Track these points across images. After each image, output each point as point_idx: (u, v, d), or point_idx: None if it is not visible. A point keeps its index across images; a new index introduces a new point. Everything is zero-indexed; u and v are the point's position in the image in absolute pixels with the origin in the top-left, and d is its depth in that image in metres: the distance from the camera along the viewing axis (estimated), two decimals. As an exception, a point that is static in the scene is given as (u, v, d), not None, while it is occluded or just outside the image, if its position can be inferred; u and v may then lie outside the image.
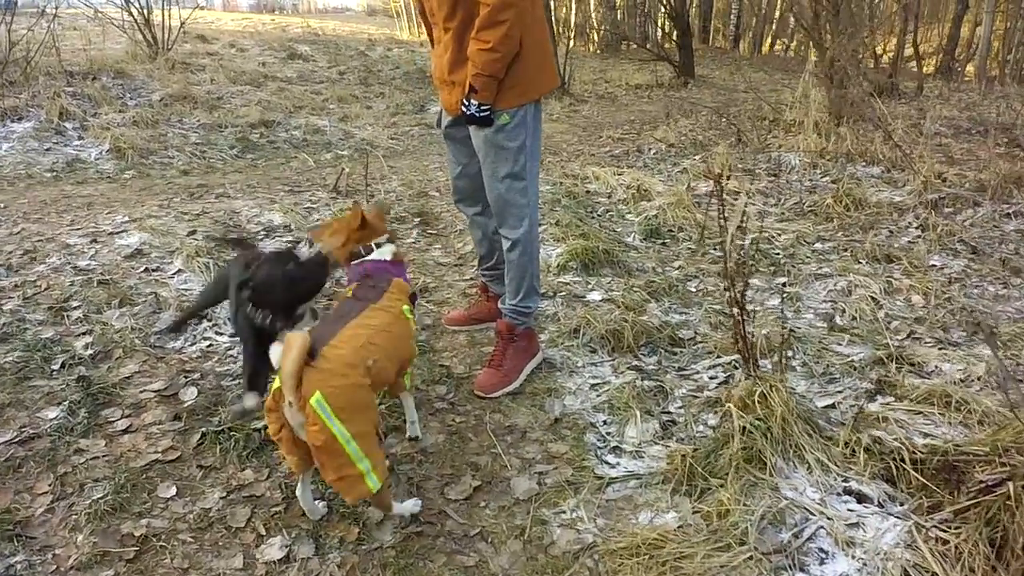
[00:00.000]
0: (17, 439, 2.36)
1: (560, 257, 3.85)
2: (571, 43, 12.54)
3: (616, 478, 2.23)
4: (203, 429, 2.47)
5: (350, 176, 5.33)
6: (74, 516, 2.06)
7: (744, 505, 1.98)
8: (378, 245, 2.35)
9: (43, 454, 2.31)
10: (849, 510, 2.03)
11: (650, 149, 6.63)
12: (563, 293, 3.50)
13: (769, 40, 21.16)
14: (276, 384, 1.83)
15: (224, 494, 2.20)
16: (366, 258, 2.32)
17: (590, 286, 3.59)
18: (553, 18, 11.69)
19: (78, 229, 4.14)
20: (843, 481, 2.12)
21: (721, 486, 2.09)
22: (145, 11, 9.70)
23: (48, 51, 7.75)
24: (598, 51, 17.62)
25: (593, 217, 4.62)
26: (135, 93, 7.81)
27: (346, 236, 2.33)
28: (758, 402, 2.27)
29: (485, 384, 2.70)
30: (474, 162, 2.70)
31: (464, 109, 2.46)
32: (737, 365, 2.77)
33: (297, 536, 2.04)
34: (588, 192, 5.17)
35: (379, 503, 1.99)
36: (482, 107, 2.43)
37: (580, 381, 2.76)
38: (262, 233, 4.16)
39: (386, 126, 8.11)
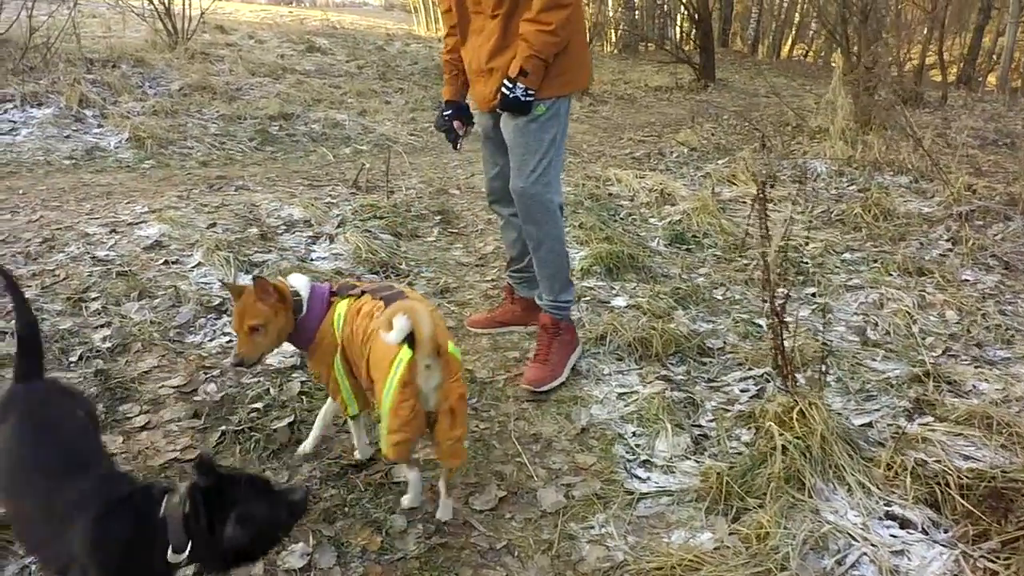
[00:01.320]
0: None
1: (584, 260, 3.78)
2: (590, 43, 12.45)
3: (647, 494, 2.16)
4: (223, 427, 2.42)
5: (369, 172, 5.27)
6: (91, 515, 2.00)
7: (784, 528, 1.91)
8: (294, 291, 2.06)
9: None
10: (892, 536, 1.95)
11: (672, 152, 6.55)
12: (587, 298, 3.43)
13: (789, 44, 20.99)
14: (406, 358, 1.77)
15: (243, 496, 2.15)
16: (305, 301, 2.06)
17: (615, 291, 3.52)
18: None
19: (97, 218, 4.10)
20: (885, 505, 2.05)
21: (760, 507, 2.01)
22: (165, 0, 9.67)
23: (68, 37, 7.74)
24: (616, 51, 17.51)
25: (616, 220, 4.55)
26: (154, 82, 7.78)
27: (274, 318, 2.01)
28: (796, 420, 2.19)
29: (534, 378, 2.64)
30: (508, 166, 2.64)
31: (507, 92, 2.37)
32: (769, 378, 2.70)
33: (319, 544, 1.98)
34: (610, 194, 5.09)
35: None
36: (528, 92, 2.35)
37: (607, 390, 2.69)
38: (282, 227, 4.11)
39: (405, 122, 8.05)
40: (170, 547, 1.40)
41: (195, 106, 7.19)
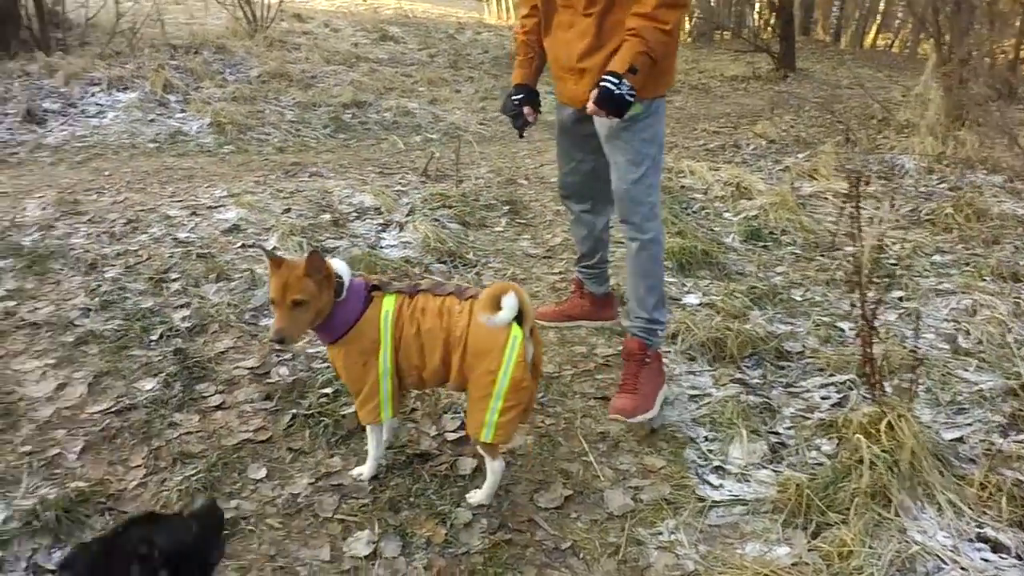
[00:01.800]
0: (114, 409, 2.40)
1: (656, 255, 3.68)
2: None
3: (720, 502, 2.08)
4: (293, 411, 2.46)
5: (439, 160, 5.28)
6: (165, 492, 2.06)
7: (869, 547, 1.81)
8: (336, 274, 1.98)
9: (138, 426, 2.33)
10: (984, 560, 1.83)
11: (748, 144, 6.33)
12: (659, 294, 3.34)
13: (873, 33, 20.05)
14: (520, 336, 1.87)
15: (312, 480, 2.17)
16: (345, 288, 1.99)
17: (687, 288, 3.42)
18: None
19: (179, 201, 4.23)
20: (977, 527, 1.92)
21: (842, 523, 1.91)
22: (246, -12, 9.92)
23: (153, 23, 8.01)
24: (689, 39, 17.10)
25: (688, 214, 4.42)
26: (234, 69, 7.99)
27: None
28: (884, 432, 2.07)
29: (624, 408, 2.35)
30: (589, 159, 2.57)
31: (612, 87, 2.16)
32: (852, 386, 2.57)
33: (384, 532, 1.98)
34: (683, 187, 4.95)
35: None
36: (632, 91, 2.16)
37: (678, 391, 2.61)
38: (353, 214, 4.15)
39: (475, 110, 8.05)
40: None
41: (272, 93, 7.36)
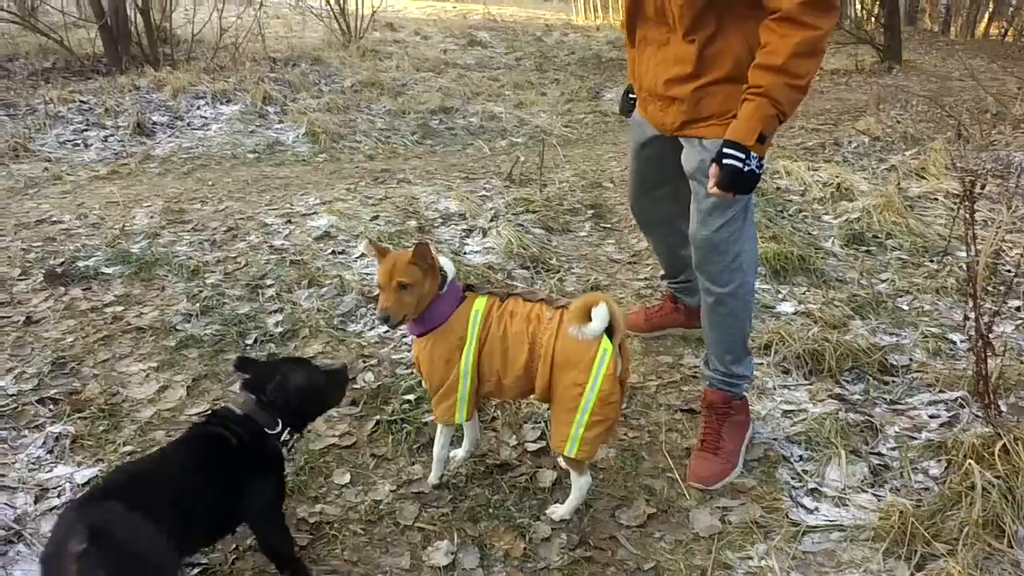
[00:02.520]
0: (210, 411, 2.49)
1: (747, 261, 3.53)
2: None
3: (815, 527, 1.96)
4: (377, 417, 2.49)
5: (524, 165, 5.27)
6: (256, 495, 2.12)
7: (981, 584, 1.66)
8: (442, 271, 2.00)
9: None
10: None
11: (850, 142, 6.00)
12: (751, 302, 3.20)
13: (985, 22, 18.68)
14: (610, 349, 1.84)
15: (394, 487, 2.19)
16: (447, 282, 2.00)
17: (781, 296, 3.26)
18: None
19: (275, 209, 4.40)
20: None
21: (949, 554, 1.76)
22: (341, 1, 10.27)
23: (254, 38, 8.40)
24: (787, 34, 16.44)
25: (784, 217, 4.23)
26: (329, 79, 8.27)
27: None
28: (999, 456, 1.90)
29: (703, 475, 2.16)
30: (668, 186, 2.37)
31: (739, 165, 1.82)
32: (964, 404, 2.37)
33: (463, 543, 1.97)
34: (778, 189, 4.74)
35: None
36: (762, 163, 1.84)
37: (771, 406, 2.49)
38: (439, 220, 4.20)
39: (560, 113, 8.01)
40: (265, 428, 1.77)
41: (364, 102, 7.57)
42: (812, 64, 1.79)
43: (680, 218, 2.34)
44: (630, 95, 2.43)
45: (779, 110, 1.80)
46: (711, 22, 1.89)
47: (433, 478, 2.18)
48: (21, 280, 3.45)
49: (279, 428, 1.80)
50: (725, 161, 1.84)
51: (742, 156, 1.82)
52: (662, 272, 2.75)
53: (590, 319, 1.82)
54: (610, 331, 1.85)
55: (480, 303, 1.99)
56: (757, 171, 1.84)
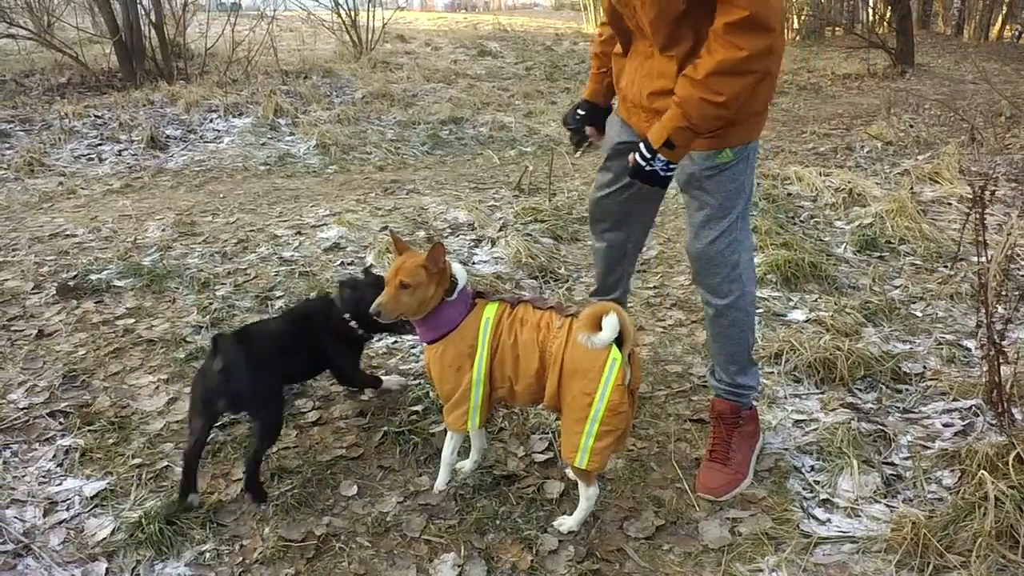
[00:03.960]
0: (219, 424, 2.50)
1: (757, 268, 3.50)
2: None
3: (827, 538, 1.93)
4: (385, 428, 2.48)
5: (533, 174, 5.27)
6: (263, 506, 2.12)
7: (996, 596, 1.62)
8: (452, 276, 2.00)
9: (241, 440, 2.42)
10: None
11: (863, 147, 5.97)
12: (761, 310, 3.17)
13: (999, 24, 18.52)
14: (619, 359, 1.82)
15: (401, 499, 2.18)
16: (457, 289, 2.01)
17: (792, 303, 3.23)
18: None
19: (285, 221, 4.43)
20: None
21: (962, 565, 1.73)
22: (352, 13, 10.35)
23: (266, 51, 8.48)
24: (799, 38, 16.39)
25: (795, 223, 4.20)
26: (340, 91, 8.33)
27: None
28: (1012, 466, 1.86)
29: (712, 485, 2.13)
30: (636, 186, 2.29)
31: (642, 163, 1.90)
32: (979, 412, 2.33)
33: (469, 556, 1.96)
34: (789, 195, 4.71)
35: None
36: (669, 166, 1.89)
37: (782, 415, 2.46)
38: (448, 230, 4.20)
39: (571, 122, 8.01)
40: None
41: (375, 113, 7.61)
42: (735, 84, 1.76)
43: (641, 224, 2.39)
44: (578, 112, 2.37)
45: (689, 123, 1.81)
46: (688, 37, 1.86)
47: (440, 483, 2.17)
48: (34, 294, 3.49)
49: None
50: (634, 154, 1.93)
51: (648, 156, 1.90)
52: (595, 288, 2.59)
53: (600, 328, 1.81)
54: (619, 341, 1.84)
55: (491, 310, 1.99)
56: (661, 172, 1.90)
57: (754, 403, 2.29)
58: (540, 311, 1.97)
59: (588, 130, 2.38)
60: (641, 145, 1.91)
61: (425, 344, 2.06)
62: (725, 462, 2.16)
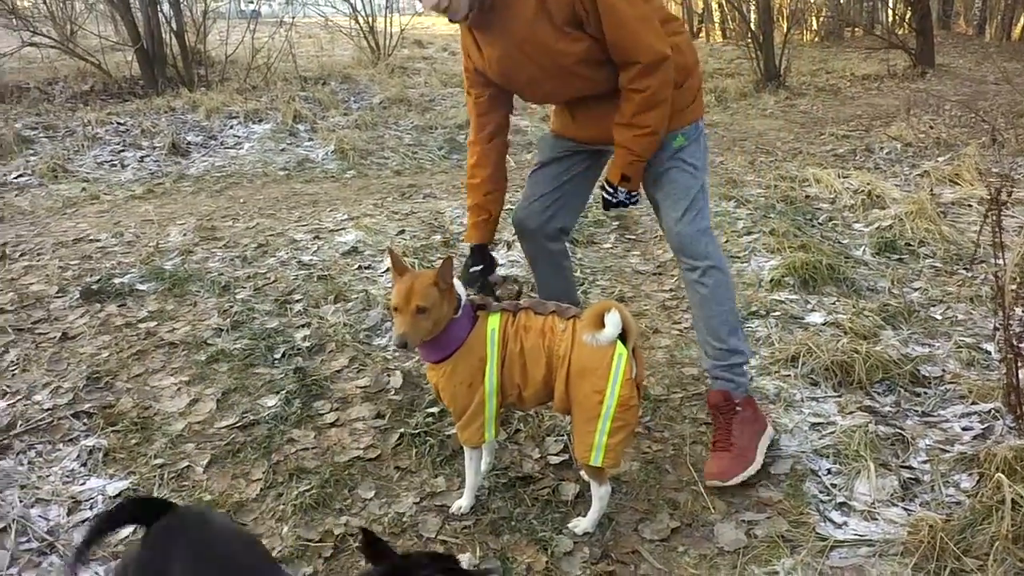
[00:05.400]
0: (239, 424, 2.54)
1: (775, 271, 3.50)
2: (788, 32, 11.65)
3: (843, 542, 1.92)
4: (401, 430, 2.51)
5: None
6: (282, 506, 2.15)
7: (1014, 601, 1.61)
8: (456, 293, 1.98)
9: (260, 441, 2.45)
10: None
11: (882, 148, 5.92)
12: (778, 313, 3.16)
13: (1021, 24, 18.27)
14: (625, 354, 1.85)
15: (417, 499, 2.20)
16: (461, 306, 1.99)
17: (810, 306, 3.22)
18: (769, 4, 10.90)
19: (304, 225, 4.48)
20: None
21: (980, 569, 1.72)
22: (370, 19, 10.44)
23: (285, 57, 8.58)
24: (818, 39, 16.28)
25: (814, 226, 4.18)
26: (358, 97, 8.41)
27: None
28: (1033, 469, 1.85)
29: (719, 471, 2.16)
30: (583, 197, 2.45)
31: (609, 197, 2.19)
32: (999, 415, 2.31)
33: (484, 556, 1.97)
34: (807, 197, 4.69)
35: None
36: (632, 194, 2.18)
37: (798, 418, 2.45)
38: (463, 234, 4.22)
39: (588, 125, 8.02)
40: None
41: (392, 118, 7.67)
42: (656, 114, 2.04)
43: (571, 222, 2.49)
44: (472, 269, 2.33)
45: (634, 156, 2.10)
46: (590, 84, 2.11)
47: (466, 506, 2.13)
48: (58, 297, 3.56)
49: None
50: (601, 191, 2.23)
51: (611, 191, 2.19)
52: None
53: (603, 326, 1.83)
54: (623, 336, 1.86)
55: (494, 321, 1.98)
56: (627, 200, 2.19)
57: (748, 391, 2.29)
58: (542, 316, 1.97)
59: (492, 277, 2.39)
60: (605, 184, 2.21)
61: (429, 364, 2.03)
62: (728, 447, 2.19)
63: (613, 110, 2.09)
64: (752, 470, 2.16)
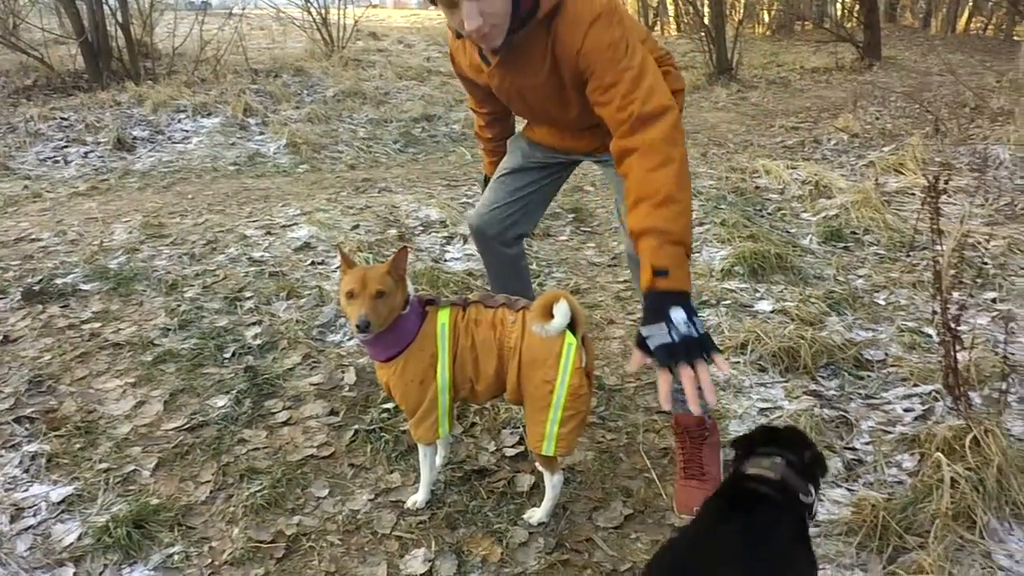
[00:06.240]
0: (187, 426, 2.49)
1: (725, 261, 3.56)
2: (740, 25, 11.83)
3: (789, 522, 1.96)
4: (356, 426, 2.48)
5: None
6: (232, 508, 2.11)
7: (950, 573, 1.67)
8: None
9: (209, 442, 2.41)
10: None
11: (830, 139, 6.06)
12: (728, 302, 3.22)
13: (965, 17, 18.87)
14: (575, 343, 1.85)
15: (372, 496, 2.19)
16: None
17: (759, 294, 3.28)
18: None
19: (255, 221, 4.40)
20: (1074, 551, 1.74)
21: (921, 547, 1.77)
22: (323, 10, 10.27)
23: (236, 50, 8.39)
24: (769, 32, 16.57)
25: (763, 216, 4.26)
26: (311, 90, 8.27)
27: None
28: (969, 448, 1.91)
29: (694, 502, 1.92)
30: (543, 207, 2.38)
31: (672, 338, 1.43)
32: (939, 396, 2.39)
33: (440, 551, 1.97)
34: (757, 188, 4.78)
35: None
36: (692, 314, 1.48)
37: (747, 404, 2.50)
38: (419, 228, 4.20)
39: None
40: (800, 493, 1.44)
41: (346, 111, 7.57)
42: (669, 172, 1.61)
43: (529, 228, 2.42)
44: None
45: (678, 235, 1.57)
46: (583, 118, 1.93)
47: (422, 501, 2.13)
48: (-1, 299, 3.44)
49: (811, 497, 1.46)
50: (652, 343, 1.49)
51: (684, 320, 1.48)
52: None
53: (552, 316, 1.83)
54: (572, 326, 1.87)
55: (444, 316, 1.97)
56: (700, 330, 1.47)
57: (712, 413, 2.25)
58: (492, 309, 1.97)
59: None
60: (641, 330, 1.52)
61: (378, 363, 2.00)
62: (701, 478, 2.11)
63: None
64: None
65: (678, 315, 1.43)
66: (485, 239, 2.39)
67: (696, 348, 1.41)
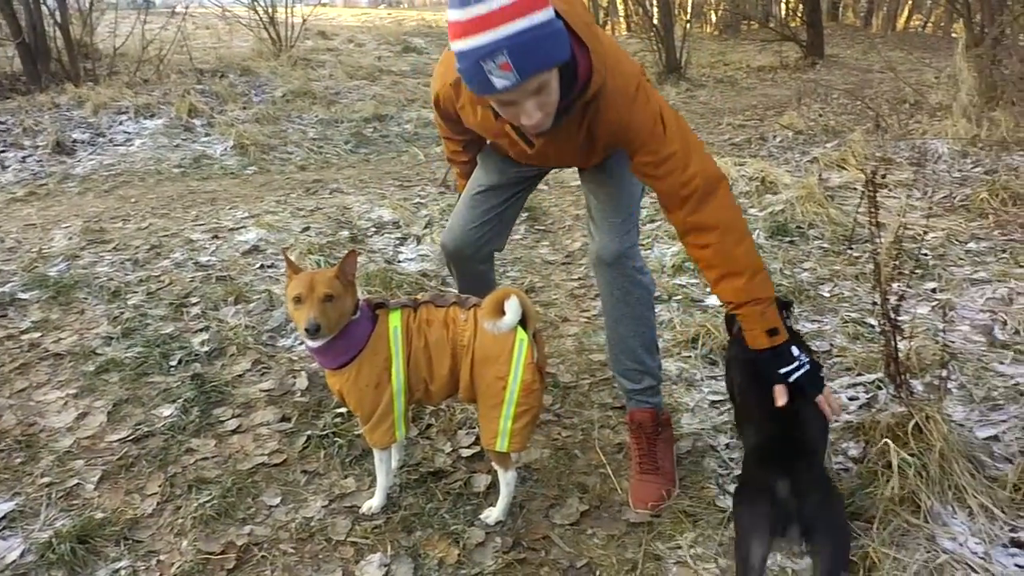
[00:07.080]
0: (132, 437, 2.42)
1: (675, 257, 3.61)
2: (688, 25, 12.02)
3: (741, 513, 2.00)
4: (308, 432, 2.45)
5: (459, 170, 5.26)
6: (180, 520, 2.06)
7: (895, 558, 1.72)
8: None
9: (155, 453, 2.35)
10: (1017, 566, 1.73)
11: (775, 136, 6.19)
12: (679, 297, 3.26)
13: (905, 15, 19.52)
14: (526, 339, 1.87)
15: (326, 503, 2.16)
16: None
17: (708, 289, 3.33)
18: None
19: (201, 224, 4.29)
20: (1011, 531, 1.81)
21: (867, 531, 1.82)
22: (270, 9, 10.09)
23: (180, 50, 8.19)
24: (716, 32, 16.87)
25: (712, 212, 4.32)
26: (259, 90, 8.12)
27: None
28: (912, 434, 1.97)
29: (649, 499, 2.07)
30: (513, 202, 2.30)
31: (802, 361, 1.77)
32: (881, 385, 2.46)
33: (396, 555, 1.95)
34: (706, 185, 4.85)
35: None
36: (806, 359, 1.78)
37: (699, 397, 2.54)
38: (372, 229, 4.16)
39: (496, 117, 8.04)
40: None
41: (296, 112, 7.46)
42: (742, 243, 1.78)
43: (501, 243, 2.39)
44: None
45: (765, 292, 1.79)
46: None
47: (378, 506, 2.10)
48: (-71, 311, 3.29)
49: None
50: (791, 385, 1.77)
51: (793, 364, 1.78)
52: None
53: (503, 313, 1.84)
54: (523, 322, 1.88)
55: (395, 319, 1.95)
56: (811, 368, 1.78)
57: (665, 408, 2.29)
58: (442, 308, 1.97)
59: None
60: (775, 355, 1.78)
61: (329, 371, 1.97)
62: (655, 472, 2.13)
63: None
64: (676, 491, 2.12)
65: (796, 352, 1.78)
66: (462, 259, 2.35)
67: (817, 366, 1.81)
